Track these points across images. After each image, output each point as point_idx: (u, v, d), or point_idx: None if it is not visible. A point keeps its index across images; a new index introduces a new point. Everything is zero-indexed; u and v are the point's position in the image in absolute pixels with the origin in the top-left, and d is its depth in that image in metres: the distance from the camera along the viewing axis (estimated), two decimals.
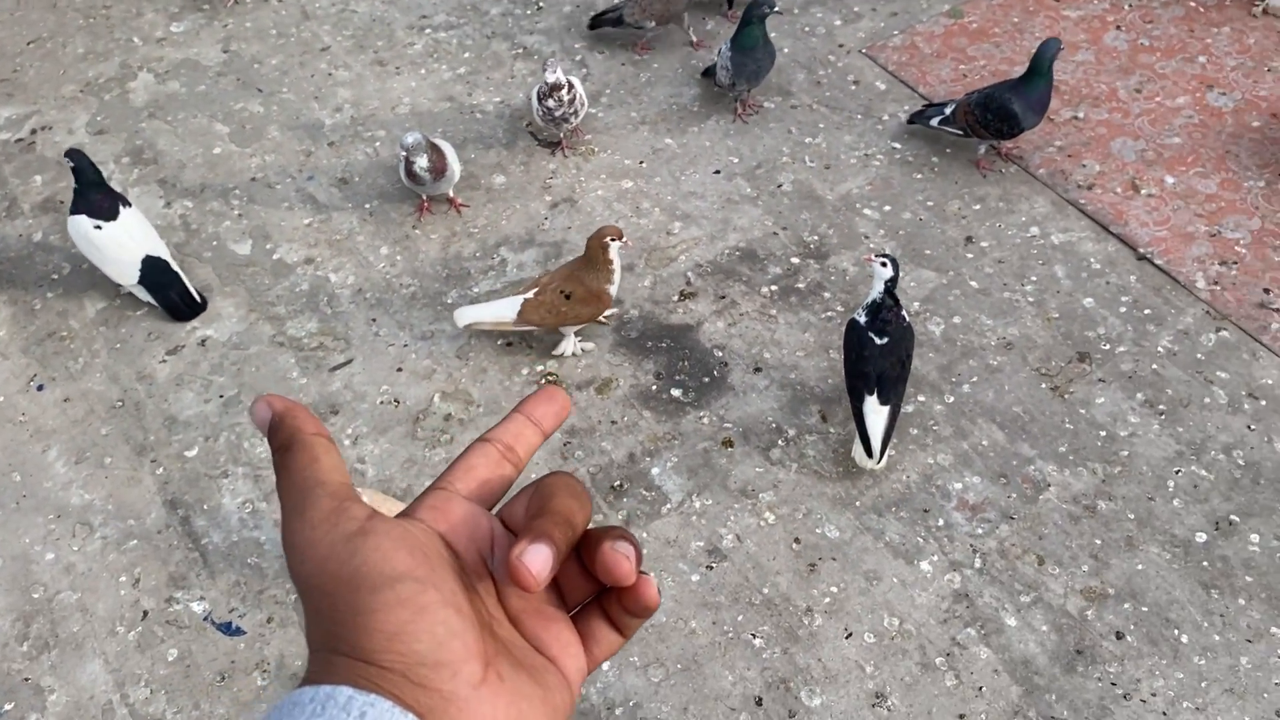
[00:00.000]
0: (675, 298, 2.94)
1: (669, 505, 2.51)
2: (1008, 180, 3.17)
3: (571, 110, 3.16)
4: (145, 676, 2.29)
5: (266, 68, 3.71)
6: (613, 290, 2.70)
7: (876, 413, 2.42)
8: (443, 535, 0.51)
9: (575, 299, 2.67)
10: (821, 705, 2.19)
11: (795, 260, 3.02)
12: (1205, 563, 2.36)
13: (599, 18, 3.66)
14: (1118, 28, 3.62)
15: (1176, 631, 2.26)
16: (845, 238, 3.06)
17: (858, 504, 2.49)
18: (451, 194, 3.17)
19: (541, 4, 3.90)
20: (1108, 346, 2.75)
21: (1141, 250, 2.95)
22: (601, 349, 2.83)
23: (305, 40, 3.81)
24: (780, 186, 3.21)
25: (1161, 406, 2.62)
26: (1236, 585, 2.32)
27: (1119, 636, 2.26)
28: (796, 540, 2.44)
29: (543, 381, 2.76)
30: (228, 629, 2.36)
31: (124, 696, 2.26)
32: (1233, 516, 2.43)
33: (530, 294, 2.69)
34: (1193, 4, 3.69)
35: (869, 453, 2.44)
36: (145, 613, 2.38)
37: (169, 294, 2.90)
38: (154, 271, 2.87)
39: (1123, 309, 2.83)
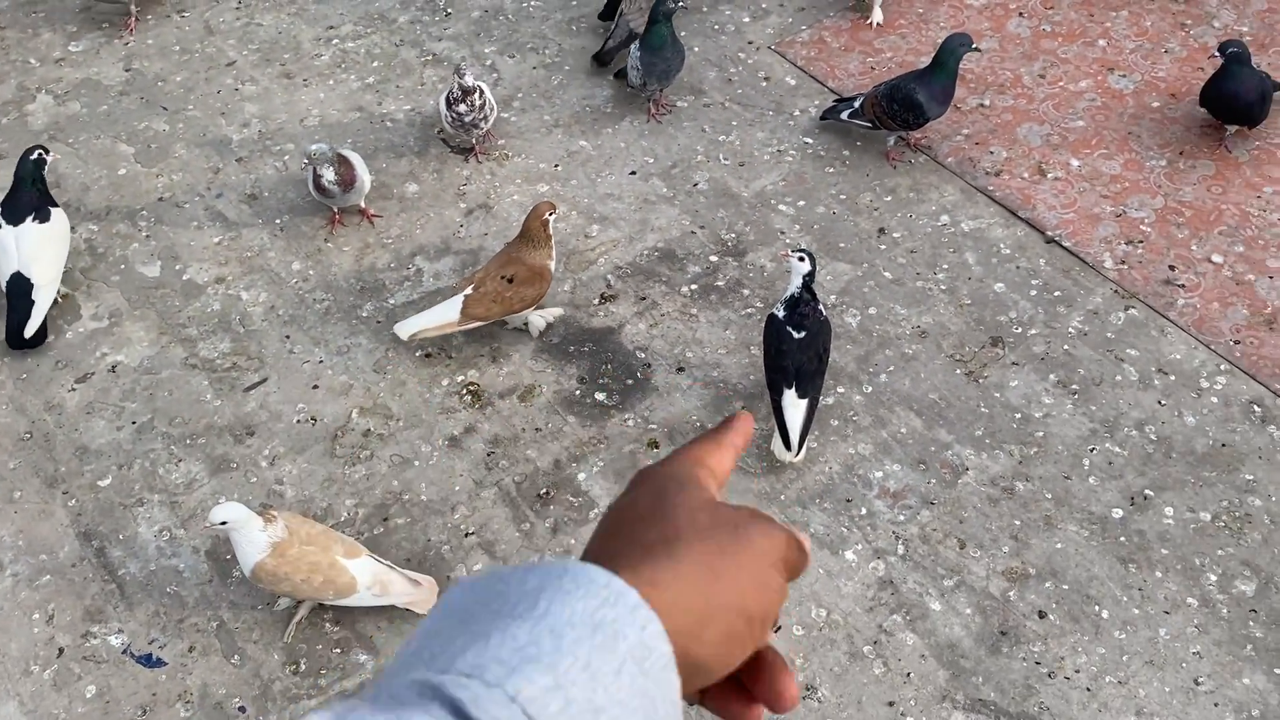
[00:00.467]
0: (596, 301, 2.94)
1: (597, 511, 2.50)
2: (917, 170, 3.21)
3: (482, 116, 3.13)
4: (63, 715, 2.22)
5: (170, 85, 3.64)
6: (552, 265, 2.75)
7: (795, 406, 2.44)
8: None
9: (519, 280, 2.69)
10: None
11: (714, 259, 3.02)
12: (1122, 538, 2.41)
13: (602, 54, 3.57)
14: (1020, 15, 3.68)
15: (1097, 607, 2.30)
16: (762, 234, 3.07)
17: (782, 497, 2.50)
18: (363, 205, 3.13)
19: (450, 10, 3.87)
20: (1019, 330, 2.79)
21: (1049, 233, 3.01)
22: (524, 355, 2.81)
23: (210, 56, 3.74)
24: (696, 185, 3.22)
25: (1074, 386, 2.67)
26: (1153, 559, 2.37)
27: (1041, 615, 2.29)
28: None
29: (463, 393, 2.74)
30: (148, 661, 2.30)
31: None
32: (1147, 491, 2.48)
33: (469, 290, 2.69)
34: None
35: (787, 445, 2.46)
36: (61, 650, 2.32)
37: (12, 317, 2.83)
38: (14, 291, 2.83)
39: (1033, 292, 2.88)
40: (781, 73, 3.55)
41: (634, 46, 3.27)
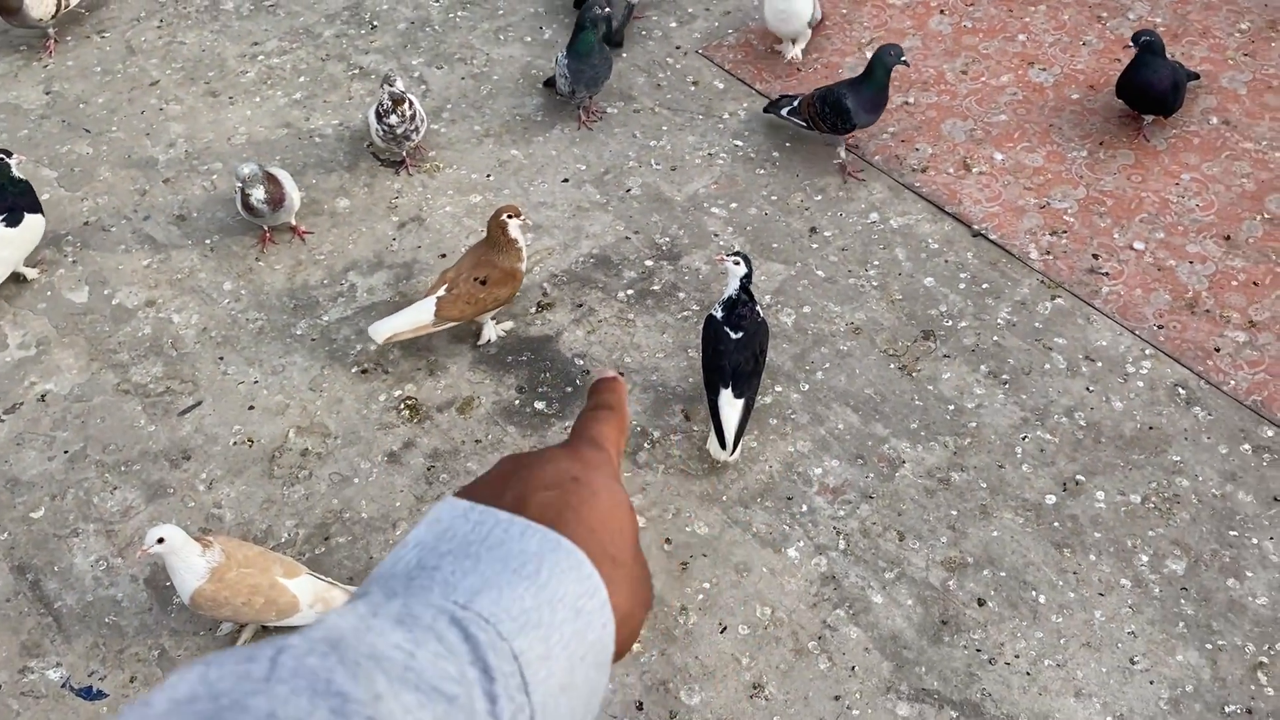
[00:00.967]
0: (533, 309, 2.94)
1: None
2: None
3: (413, 127, 3.12)
4: None
5: (93, 107, 3.58)
6: (522, 268, 2.77)
7: (731, 405, 2.46)
8: None
9: (492, 282, 2.71)
10: (701, 702, 2.21)
11: (649, 263, 3.04)
12: (1056, 523, 2.46)
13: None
14: (941, 12, 3.74)
15: (1034, 593, 2.35)
16: (696, 237, 3.09)
17: (724, 498, 2.52)
18: (294, 222, 3.10)
19: (375, 23, 3.85)
20: (950, 323, 2.84)
21: (976, 227, 3.06)
22: (461, 367, 2.81)
23: (133, 76, 3.69)
24: (629, 191, 3.23)
25: (1005, 376, 2.72)
26: (1086, 542, 2.42)
27: (981, 603, 2.34)
28: (668, 541, 2.45)
29: (401, 407, 2.73)
30: (88, 693, 2.27)
31: None
32: (1079, 476, 2.53)
33: (442, 291, 2.70)
34: None
35: (722, 445, 2.48)
36: None
37: None
38: None
39: (962, 285, 2.93)
40: (710, 76, 3.58)
41: (560, 54, 3.28)
